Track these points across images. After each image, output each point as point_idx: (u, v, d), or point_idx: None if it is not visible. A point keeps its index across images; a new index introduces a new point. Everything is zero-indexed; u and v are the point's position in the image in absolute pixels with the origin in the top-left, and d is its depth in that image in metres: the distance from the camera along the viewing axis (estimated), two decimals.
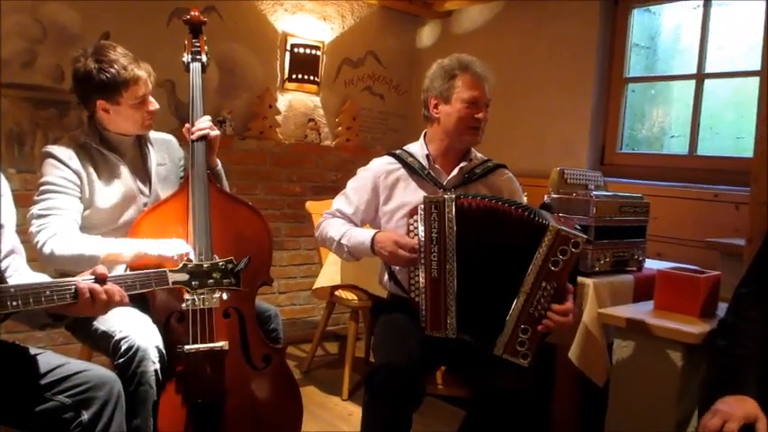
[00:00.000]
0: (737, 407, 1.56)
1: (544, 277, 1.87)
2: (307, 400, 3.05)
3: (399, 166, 2.27)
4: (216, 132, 2.18)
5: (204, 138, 2.14)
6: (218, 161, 2.28)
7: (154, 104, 2.14)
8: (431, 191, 2.17)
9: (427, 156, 2.24)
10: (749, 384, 1.63)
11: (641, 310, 2.19)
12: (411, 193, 2.22)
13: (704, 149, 3.34)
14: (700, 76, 3.33)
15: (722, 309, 2.02)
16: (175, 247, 1.92)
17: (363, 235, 2.14)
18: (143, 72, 2.06)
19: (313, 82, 4.03)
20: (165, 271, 1.66)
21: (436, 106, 2.21)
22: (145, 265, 1.84)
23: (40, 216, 1.95)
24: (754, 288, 1.80)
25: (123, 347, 1.82)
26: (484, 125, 2.20)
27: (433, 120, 2.24)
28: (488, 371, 1.93)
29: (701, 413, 1.65)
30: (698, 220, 3.09)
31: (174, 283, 1.67)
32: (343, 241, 2.19)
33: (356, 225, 2.29)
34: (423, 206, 1.98)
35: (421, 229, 1.98)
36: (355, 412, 3.02)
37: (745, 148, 3.12)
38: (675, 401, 2.03)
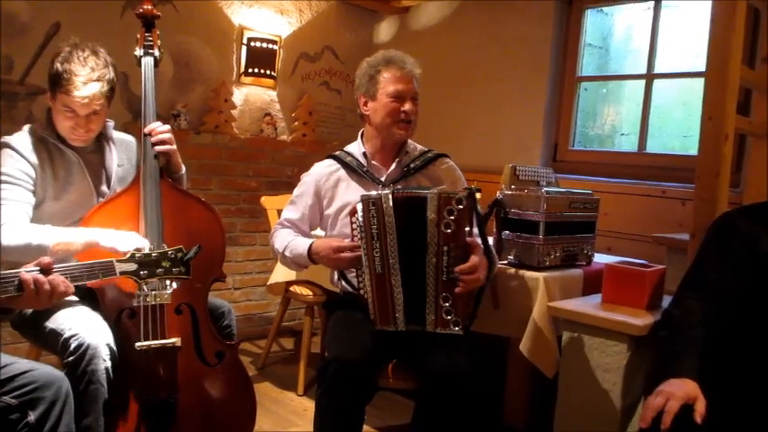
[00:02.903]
0: (679, 388, 1.64)
1: (443, 242, 1.92)
2: (262, 396, 3.05)
3: (339, 166, 2.29)
4: (173, 147, 2.14)
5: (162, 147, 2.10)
6: (183, 166, 2.25)
7: (86, 129, 2.03)
8: (371, 188, 2.20)
9: (364, 153, 2.27)
10: (690, 368, 1.71)
11: (589, 303, 2.25)
12: (352, 193, 2.24)
13: (653, 147, 3.44)
14: (649, 76, 3.42)
15: (667, 301, 2.09)
16: (131, 242, 1.86)
17: (302, 246, 2.19)
18: (87, 94, 1.95)
19: (269, 76, 4.00)
20: (111, 261, 1.64)
21: (366, 104, 2.24)
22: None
23: None
24: (694, 282, 1.89)
25: (73, 345, 1.79)
26: (415, 118, 2.22)
27: (365, 117, 2.27)
28: (427, 355, 1.97)
29: (646, 398, 1.72)
30: (646, 215, 3.18)
31: (121, 273, 1.64)
32: (286, 253, 2.24)
33: (304, 231, 2.33)
34: (361, 205, 2.00)
35: (361, 227, 2.01)
36: (310, 407, 3.01)
37: (691, 145, 3.22)
38: (621, 391, 2.09)
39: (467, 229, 1.96)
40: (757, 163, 2.70)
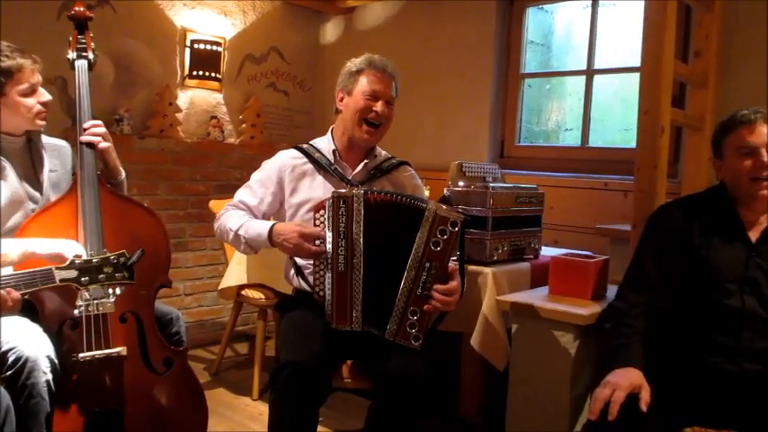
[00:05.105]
0: (624, 378, 1.70)
1: (427, 258, 1.92)
2: (216, 402, 3.01)
3: (306, 160, 2.27)
4: (105, 144, 2.09)
5: (93, 144, 2.06)
6: (123, 171, 2.21)
7: (45, 95, 2.05)
8: (336, 185, 2.19)
9: (334, 151, 2.26)
10: (634, 356, 1.78)
11: (536, 296, 2.30)
12: (317, 188, 2.23)
13: (595, 141, 3.53)
14: (589, 72, 3.51)
15: (612, 290, 2.15)
16: (70, 249, 1.80)
17: (261, 226, 2.13)
18: (27, 60, 1.98)
19: (215, 78, 3.96)
20: (50, 268, 1.59)
21: (342, 99, 2.25)
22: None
23: None
24: (634, 275, 1.96)
25: (11, 359, 1.73)
26: (386, 122, 2.22)
27: (338, 112, 2.28)
28: (384, 357, 1.97)
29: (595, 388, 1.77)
30: (590, 207, 3.26)
31: (61, 280, 1.59)
32: (240, 232, 2.16)
33: (257, 218, 2.27)
34: (331, 201, 1.99)
35: (328, 223, 1.99)
36: (266, 412, 2.94)
37: (631, 139, 3.31)
38: (570, 380, 2.14)
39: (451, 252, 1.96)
40: (693, 154, 2.80)
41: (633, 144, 2.49)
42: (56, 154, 2.18)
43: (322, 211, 2.02)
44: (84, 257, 1.66)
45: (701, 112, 2.74)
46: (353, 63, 2.24)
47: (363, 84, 2.19)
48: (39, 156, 2.12)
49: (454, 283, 1.96)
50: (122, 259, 1.69)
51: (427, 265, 1.92)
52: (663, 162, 2.37)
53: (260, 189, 2.28)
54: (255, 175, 2.33)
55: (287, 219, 2.27)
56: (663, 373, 1.79)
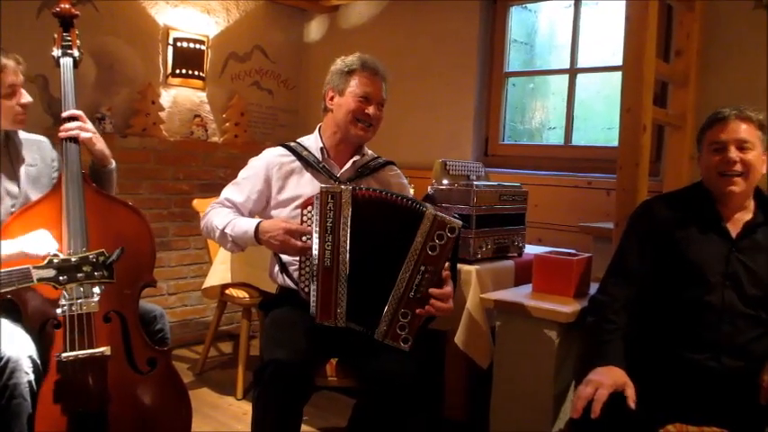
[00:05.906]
0: (607, 376, 1.71)
1: (422, 262, 1.92)
2: (200, 402, 3.00)
3: (294, 158, 2.27)
4: (86, 135, 2.08)
5: (75, 139, 2.05)
6: (113, 161, 2.20)
7: (26, 97, 2.03)
8: (325, 183, 2.19)
9: (322, 149, 2.26)
10: (616, 354, 1.79)
11: (520, 293, 2.31)
12: (305, 185, 2.23)
13: (578, 140, 3.55)
14: (572, 71, 3.53)
15: (595, 288, 2.16)
16: (40, 244, 1.78)
17: (248, 224, 2.12)
18: (10, 60, 1.96)
19: (198, 77, 3.94)
20: (28, 267, 1.57)
21: (332, 98, 2.25)
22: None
23: None
24: (617, 269, 1.97)
25: None
26: (376, 123, 2.24)
27: (328, 111, 2.28)
28: (372, 356, 1.97)
29: (577, 385, 1.78)
30: (574, 205, 3.28)
31: (39, 279, 1.58)
32: (226, 230, 2.16)
33: (244, 215, 2.27)
34: (319, 196, 1.98)
35: (316, 219, 1.99)
36: (250, 411, 2.96)
37: (614, 137, 3.33)
38: (553, 376, 2.15)
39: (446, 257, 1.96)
40: (675, 152, 2.83)
41: (616, 142, 2.51)
42: (34, 148, 2.16)
43: (310, 208, 2.02)
44: (63, 256, 1.64)
45: (683, 111, 2.77)
46: (345, 63, 2.24)
47: (355, 85, 2.19)
48: (16, 151, 2.10)
49: (448, 289, 1.97)
50: (102, 258, 1.67)
51: (422, 268, 1.92)
52: (645, 160, 2.40)
53: (247, 186, 2.28)
54: (243, 173, 2.32)
55: (274, 215, 2.27)
56: (645, 369, 1.80)
